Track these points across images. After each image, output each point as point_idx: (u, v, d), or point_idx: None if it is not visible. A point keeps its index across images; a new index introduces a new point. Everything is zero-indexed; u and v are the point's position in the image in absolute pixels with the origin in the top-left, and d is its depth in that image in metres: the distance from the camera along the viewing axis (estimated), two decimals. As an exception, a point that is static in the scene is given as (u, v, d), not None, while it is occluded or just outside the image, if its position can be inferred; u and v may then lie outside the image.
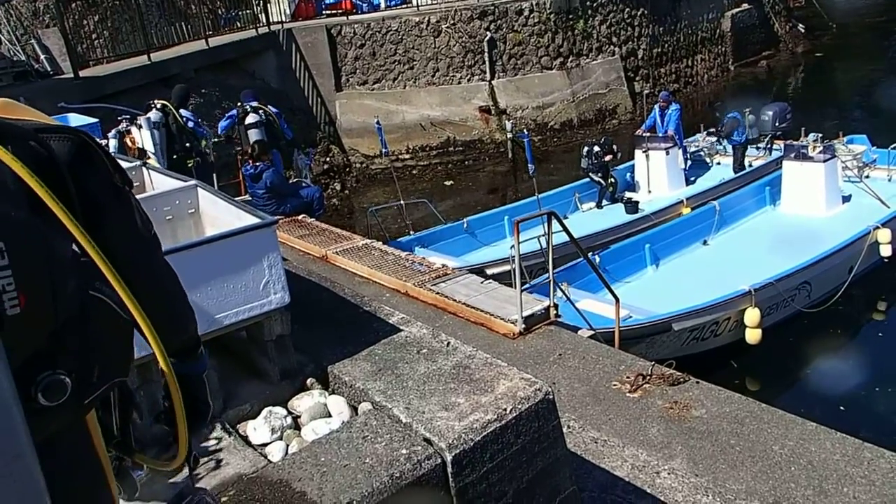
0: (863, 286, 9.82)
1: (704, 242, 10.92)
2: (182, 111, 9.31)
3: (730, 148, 13.66)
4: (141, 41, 16.31)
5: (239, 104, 10.17)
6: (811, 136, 11.79)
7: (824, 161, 11.10)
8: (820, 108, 18.98)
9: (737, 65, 24.32)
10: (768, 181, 12.21)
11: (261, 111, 9.91)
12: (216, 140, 10.53)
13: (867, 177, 11.90)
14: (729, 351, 8.71)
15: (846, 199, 11.50)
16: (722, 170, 13.70)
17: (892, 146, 12.18)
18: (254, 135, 9.64)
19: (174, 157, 9.04)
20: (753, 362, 8.67)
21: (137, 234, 1.56)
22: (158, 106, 9.12)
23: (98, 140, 1.68)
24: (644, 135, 13.48)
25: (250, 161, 9.26)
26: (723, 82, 23.42)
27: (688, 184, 13.37)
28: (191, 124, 9.25)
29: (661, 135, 13.23)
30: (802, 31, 27.92)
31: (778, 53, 26.01)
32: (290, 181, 10.46)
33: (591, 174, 12.93)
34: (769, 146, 13.75)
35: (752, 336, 8.51)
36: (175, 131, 9.14)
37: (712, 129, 14.19)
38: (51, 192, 1.26)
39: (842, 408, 7.53)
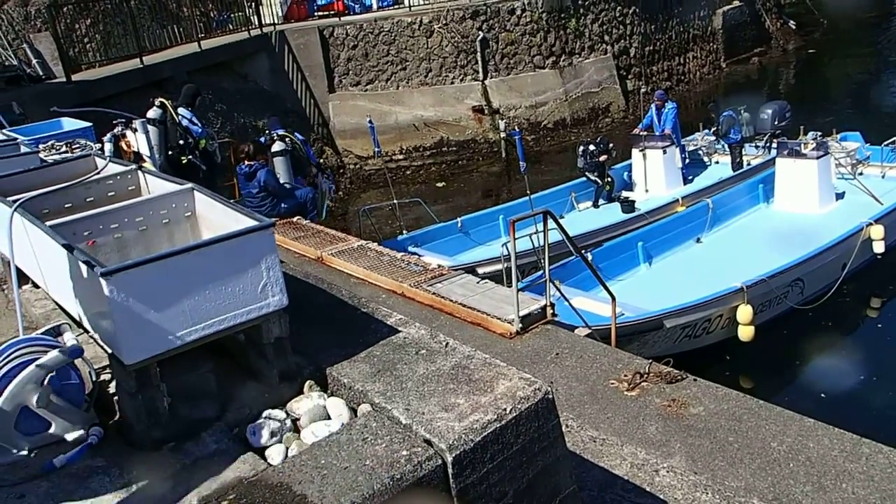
0: (856, 283, 9.84)
1: (698, 240, 10.93)
2: (181, 110, 9.33)
3: (728, 147, 13.66)
4: (133, 44, 16.26)
5: (266, 131, 10.25)
6: (810, 134, 11.79)
7: (817, 158, 11.11)
8: (813, 105, 19.03)
9: (729, 62, 24.36)
10: (761, 178, 12.21)
11: (287, 139, 10.02)
12: (223, 141, 10.57)
13: (860, 174, 11.93)
14: (723, 348, 8.72)
15: (839, 195, 11.53)
16: (720, 168, 13.69)
17: (886, 143, 12.20)
18: (279, 163, 9.77)
19: (169, 153, 9.09)
20: (748, 359, 8.69)
21: None
22: (157, 103, 9.20)
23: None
24: (641, 134, 13.45)
25: (245, 160, 9.27)
26: (715, 80, 23.45)
27: (685, 183, 13.32)
28: (185, 122, 9.26)
29: (658, 134, 13.21)
30: (793, 27, 27.99)
31: (769, 50, 26.05)
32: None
33: (587, 173, 12.91)
34: (769, 144, 13.66)
35: (745, 333, 8.50)
36: (170, 128, 9.20)
37: (713, 129, 14.11)
38: None
39: (839, 404, 7.54)
